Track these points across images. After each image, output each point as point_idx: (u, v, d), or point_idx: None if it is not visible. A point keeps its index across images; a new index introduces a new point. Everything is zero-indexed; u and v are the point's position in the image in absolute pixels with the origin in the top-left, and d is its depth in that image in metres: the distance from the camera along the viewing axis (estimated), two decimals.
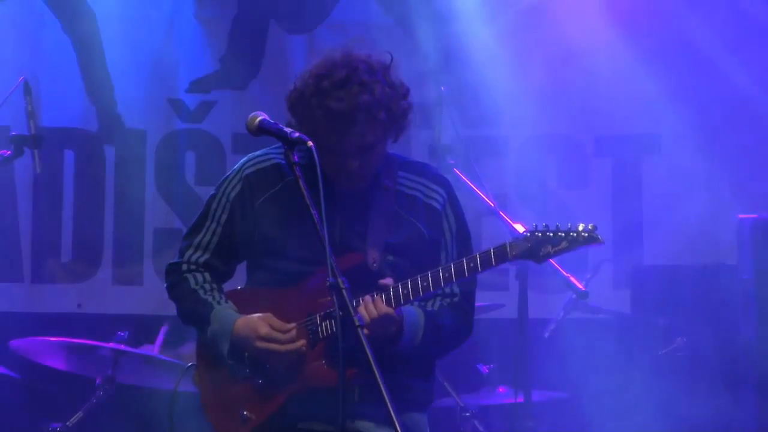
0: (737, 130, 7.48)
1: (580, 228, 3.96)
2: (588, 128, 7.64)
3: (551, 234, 3.95)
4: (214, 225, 4.21)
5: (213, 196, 4.25)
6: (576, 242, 3.95)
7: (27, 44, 7.61)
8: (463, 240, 4.20)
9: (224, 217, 4.20)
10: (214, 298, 4.14)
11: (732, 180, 7.44)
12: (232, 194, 4.20)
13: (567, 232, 3.95)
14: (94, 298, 7.57)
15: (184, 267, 4.22)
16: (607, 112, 7.58)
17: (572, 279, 6.06)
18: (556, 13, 7.56)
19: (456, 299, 4.16)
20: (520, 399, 5.89)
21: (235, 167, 4.25)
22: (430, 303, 4.13)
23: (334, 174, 4.06)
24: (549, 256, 3.96)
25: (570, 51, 7.52)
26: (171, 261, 4.29)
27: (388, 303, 3.95)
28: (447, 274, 3.97)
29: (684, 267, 7.22)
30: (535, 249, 3.95)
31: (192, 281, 4.18)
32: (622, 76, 7.53)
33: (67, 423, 6.25)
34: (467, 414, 6.43)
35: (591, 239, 3.95)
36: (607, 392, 7.11)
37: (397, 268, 4.05)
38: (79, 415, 6.27)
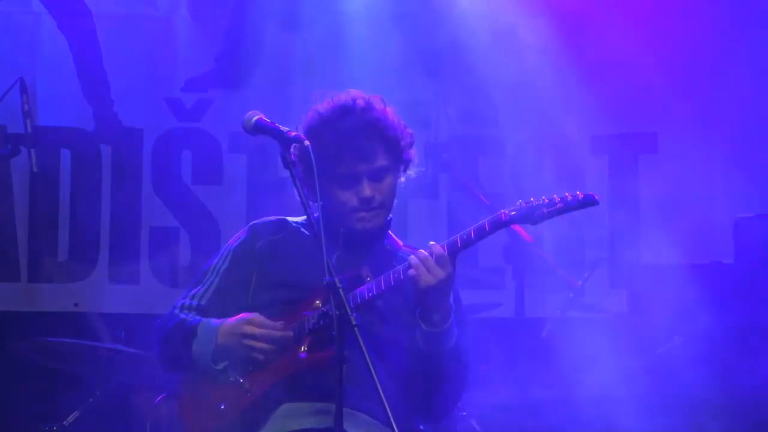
0: (735, 128, 7.48)
1: (577, 192, 3.95)
2: (584, 127, 7.64)
3: (546, 198, 3.95)
4: (213, 277, 4.28)
5: (218, 254, 4.32)
6: (571, 204, 3.94)
7: (23, 43, 7.61)
8: (458, 307, 4.17)
9: (224, 266, 4.27)
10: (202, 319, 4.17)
11: (729, 179, 7.44)
12: (236, 244, 4.29)
13: (562, 196, 3.95)
14: (90, 297, 7.56)
15: (176, 311, 4.25)
16: (604, 111, 7.58)
17: (569, 278, 6.07)
18: (553, 13, 7.56)
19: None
20: (517, 398, 5.89)
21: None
22: None
23: (348, 210, 4.11)
24: (544, 217, 3.94)
25: (566, 50, 7.52)
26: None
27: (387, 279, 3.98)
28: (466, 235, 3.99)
29: (681, 266, 7.22)
30: (530, 212, 3.95)
31: (182, 316, 4.20)
32: (619, 75, 7.54)
33: (64, 422, 6.25)
34: (464, 413, 6.43)
35: (587, 201, 3.94)
36: (603, 391, 7.12)
37: (389, 304, 4.08)
38: (76, 414, 6.27)
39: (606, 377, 7.10)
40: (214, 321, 4.12)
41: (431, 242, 3.99)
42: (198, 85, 7.72)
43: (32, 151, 5.83)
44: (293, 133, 3.85)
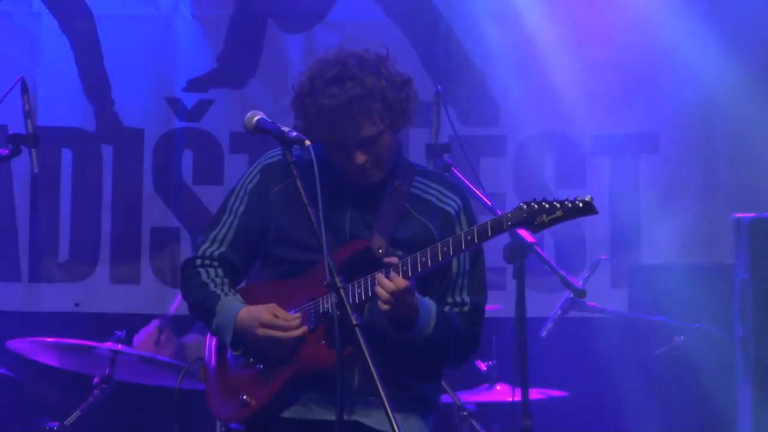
0: (735, 128, 7.48)
1: (578, 199, 3.95)
2: (585, 127, 7.63)
3: (546, 204, 3.94)
4: (231, 218, 4.23)
5: (232, 191, 4.28)
6: (571, 212, 3.94)
7: (25, 43, 7.61)
8: (476, 249, 4.19)
9: (241, 208, 4.22)
10: (222, 290, 4.15)
11: (730, 179, 7.44)
12: (250, 186, 4.23)
13: (562, 203, 3.95)
14: (91, 297, 7.56)
15: (198, 262, 4.23)
16: (605, 111, 7.57)
17: (569, 278, 6.06)
18: (553, 13, 7.56)
19: (466, 308, 4.17)
20: (518, 397, 5.88)
21: (256, 162, 4.28)
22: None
23: (346, 170, 4.07)
24: (544, 225, 3.94)
25: (566, 50, 7.52)
26: (187, 257, 4.32)
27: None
28: (445, 248, 3.96)
29: (681, 266, 7.22)
30: (531, 218, 3.93)
31: (204, 275, 4.19)
32: (619, 75, 7.53)
33: (65, 422, 6.25)
34: (464, 412, 6.43)
35: (586, 209, 3.95)
36: (604, 391, 7.12)
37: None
38: (77, 414, 6.28)
39: (606, 377, 7.11)
40: (231, 306, 4.11)
41: (393, 272, 3.96)
42: (199, 85, 7.71)
43: (33, 151, 5.82)
44: (294, 133, 3.85)
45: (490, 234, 3.96)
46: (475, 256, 4.20)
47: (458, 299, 4.17)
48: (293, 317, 4.03)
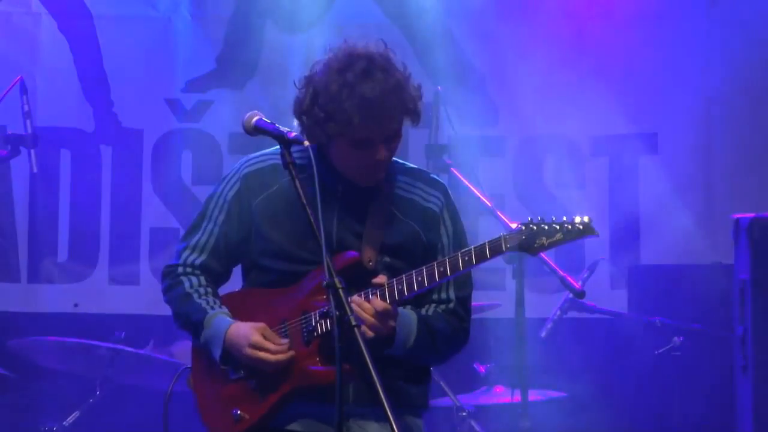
0: (734, 129, 7.48)
1: (576, 220, 3.91)
2: (584, 128, 7.63)
3: (546, 226, 3.89)
4: (211, 225, 4.18)
5: (211, 197, 4.22)
6: (570, 234, 3.89)
7: (23, 43, 7.61)
8: (460, 242, 4.16)
9: (221, 217, 4.17)
10: (207, 302, 4.11)
11: (729, 179, 7.44)
12: (230, 194, 4.17)
13: (562, 224, 3.89)
14: (90, 297, 7.56)
15: (180, 270, 4.19)
16: (604, 112, 7.57)
17: (569, 278, 6.06)
18: (553, 13, 7.57)
19: (451, 305, 4.13)
20: (517, 398, 5.88)
21: (234, 167, 4.22)
22: (424, 308, 4.10)
23: (362, 168, 4.04)
24: (543, 248, 3.89)
25: (566, 50, 7.52)
26: (168, 263, 4.28)
27: (383, 299, 3.92)
28: (442, 269, 3.92)
29: (681, 266, 7.22)
30: (530, 241, 3.88)
31: (187, 284, 4.15)
32: (619, 76, 7.53)
33: (64, 423, 6.26)
34: (464, 414, 6.42)
35: (586, 231, 3.90)
36: (603, 392, 7.11)
37: (393, 270, 4.02)
38: (76, 414, 6.28)
39: (605, 377, 7.11)
40: (220, 321, 4.06)
41: (375, 293, 3.94)
42: (198, 86, 7.72)
43: (32, 151, 5.83)
44: (293, 134, 3.83)
45: (488, 256, 3.91)
46: (460, 249, 4.16)
47: (443, 296, 4.13)
48: (282, 341, 3.99)
